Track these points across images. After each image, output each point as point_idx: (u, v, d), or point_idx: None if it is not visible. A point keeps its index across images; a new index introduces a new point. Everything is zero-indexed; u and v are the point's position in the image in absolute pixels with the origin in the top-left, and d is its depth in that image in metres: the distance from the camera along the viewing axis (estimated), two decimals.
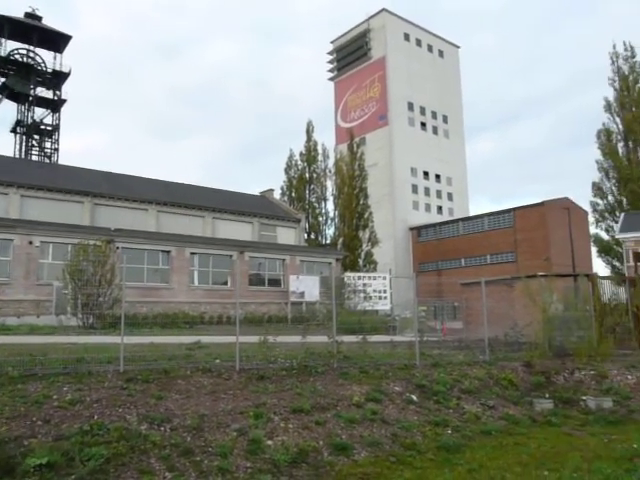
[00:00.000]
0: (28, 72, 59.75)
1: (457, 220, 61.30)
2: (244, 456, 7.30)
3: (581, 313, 15.38)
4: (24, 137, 61.35)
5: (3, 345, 12.11)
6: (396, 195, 66.14)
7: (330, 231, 57.31)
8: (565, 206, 48.69)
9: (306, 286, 34.32)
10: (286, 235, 44.98)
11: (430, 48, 75.83)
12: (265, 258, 36.00)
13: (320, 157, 58.54)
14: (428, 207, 69.83)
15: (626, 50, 50.47)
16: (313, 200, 57.81)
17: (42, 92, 62.06)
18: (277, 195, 54.55)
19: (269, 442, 7.78)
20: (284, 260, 36.61)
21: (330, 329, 12.49)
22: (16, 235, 27.39)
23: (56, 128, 62.91)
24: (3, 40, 58.43)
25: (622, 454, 7.91)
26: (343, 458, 7.75)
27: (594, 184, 50.04)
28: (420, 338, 13.70)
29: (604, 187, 49.65)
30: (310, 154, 58.14)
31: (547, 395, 11.95)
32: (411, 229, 64.40)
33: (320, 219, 57.69)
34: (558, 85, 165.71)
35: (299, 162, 58.55)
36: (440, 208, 71.20)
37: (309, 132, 58.48)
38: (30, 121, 61.35)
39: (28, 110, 61.51)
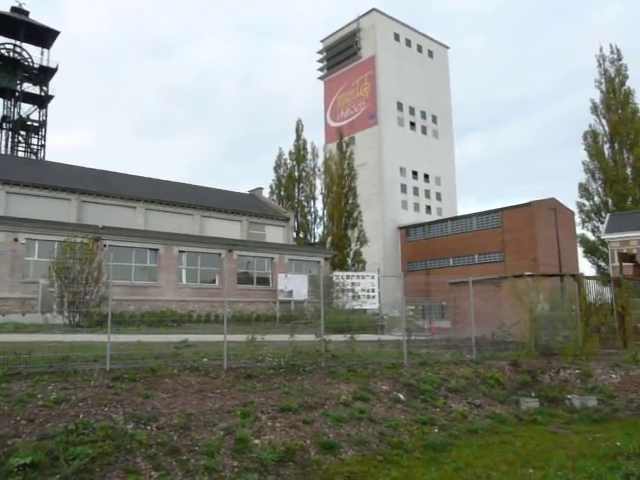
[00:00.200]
0: (14, 67, 59.02)
1: (446, 220, 61.59)
2: (231, 455, 7.28)
3: (567, 313, 15.53)
4: (10, 133, 60.59)
5: None
6: (385, 194, 66.29)
7: (319, 230, 57.42)
8: (552, 207, 49.06)
9: (294, 285, 34.29)
10: (275, 234, 44.91)
11: (420, 48, 76.08)
12: (254, 257, 35.89)
13: (309, 156, 58.63)
14: (417, 207, 70.08)
15: (612, 53, 51.09)
16: (302, 199, 57.83)
17: (29, 88, 61.35)
18: (266, 194, 54.46)
19: (256, 441, 7.76)
20: (273, 259, 36.54)
21: (318, 328, 12.49)
22: (1, 232, 27.05)
23: (43, 124, 62.23)
24: None
25: (606, 452, 7.99)
26: (330, 457, 7.76)
27: (581, 185, 50.63)
28: (408, 337, 13.73)
29: (590, 188, 50.25)
30: (299, 153, 58.13)
31: (533, 394, 12.05)
32: (400, 228, 64.60)
33: (309, 218, 57.73)
34: (547, 87, 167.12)
35: (288, 161, 58.56)
36: (429, 208, 71.49)
37: (298, 131, 58.49)
38: (16, 117, 60.60)
39: (14, 106, 60.76)
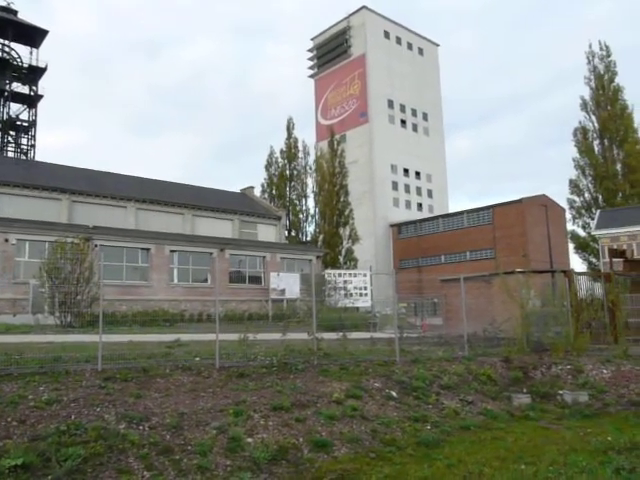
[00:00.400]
0: (3, 67, 58.44)
1: (437, 217, 61.74)
2: (224, 454, 7.27)
3: (558, 309, 15.62)
4: None
5: None
6: (376, 192, 66.37)
7: (311, 228, 57.39)
8: (543, 203, 49.37)
9: (287, 283, 34.29)
10: (266, 232, 44.86)
11: (410, 46, 76.17)
12: (245, 255, 35.85)
13: (301, 154, 58.57)
14: (408, 204, 70.22)
15: (602, 49, 51.35)
16: (294, 197, 57.77)
17: (18, 87, 60.81)
18: (257, 192, 54.35)
19: (249, 440, 7.75)
20: (264, 257, 36.50)
21: (310, 326, 12.49)
22: None
23: (32, 124, 61.74)
24: None
25: (597, 447, 8.05)
26: (323, 455, 7.77)
27: (571, 181, 50.92)
28: (400, 334, 13.78)
29: (581, 184, 50.54)
30: (290, 151, 58.05)
31: (525, 390, 12.13)
32: (391, 226, 64.69)
33: (301, 216, 57.68)
34: (537, 84, 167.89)
35: (279, 159, 58.45)
36: (420, 205, 71.66)
37: (289, 129, 58.41)
38: (5, 117, 60.08)
39: (3, 106, 60.20)
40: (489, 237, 53.07)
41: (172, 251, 32.42)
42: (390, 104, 71.31)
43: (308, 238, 56.22)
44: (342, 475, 7.03)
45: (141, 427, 7.61)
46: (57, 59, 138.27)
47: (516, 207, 51.56)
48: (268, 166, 58.68)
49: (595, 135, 50.72)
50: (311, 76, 79.88)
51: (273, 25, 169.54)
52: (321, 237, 52.19)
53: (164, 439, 7.41)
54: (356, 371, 11.44)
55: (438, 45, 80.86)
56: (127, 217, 37.21)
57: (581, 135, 50.81)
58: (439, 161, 75.98)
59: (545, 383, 12.47)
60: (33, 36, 60.33)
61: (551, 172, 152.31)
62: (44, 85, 75.84)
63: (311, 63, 79.97)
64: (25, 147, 61.12)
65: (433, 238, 58.71)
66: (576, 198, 50.87)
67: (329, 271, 36.50)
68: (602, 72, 50.85)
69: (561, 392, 11.90)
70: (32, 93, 61.32)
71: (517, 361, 13.56)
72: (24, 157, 58.75)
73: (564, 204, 52.58)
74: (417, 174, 72.22)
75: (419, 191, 72.25)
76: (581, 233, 50.83)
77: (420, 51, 77.43)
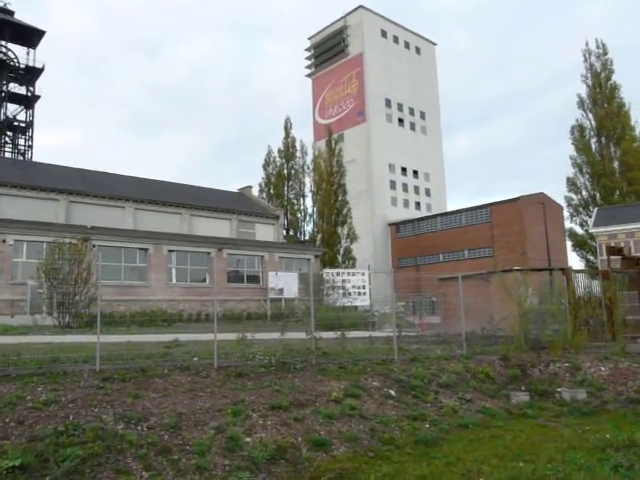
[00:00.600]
0: (0, 68, 58.37)
1: (435, 216, 61.78)
2: (222, 454, 7.26)
3: (556, 306, 15.62)
4: None
5: None
6: (374, 191, 66.38)
7: (309, 227, 57.41)
8: (540, 201, 49.41)
9: (285, 283, 34.27)
10: (265, 232, 44.84)
11: (407, 45, 76.18)
12: (244, 255, 35.84)
13: (298, 154, 58.56)
14: (406, 203, 70.25)
15: (598, 47, 51.43)
16: (292, 196, 57.76)
17: (15, 88, 60.73)
18: (255, 192, 54.33)
19: (247, 439, 7.75)
20: (263, 257, 36.49)
21: (309, 325, 12.49)
22: None
23: (30, 125, 61.65)
24: None
25: (595, 444, 8.06)
26: (322, 454, 7.76)
27: (568, 179, 51.01)
28: (398, 333, 13.78)
29: (578, 182, 50.63)
30: (288, 151, 58.04)
31: (523, 388, 12.13)
32: (390, 225, 64.72)
33: (299, 215, 57.69)
34: (535, 83, 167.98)
35: (277, 159, 58.44)
36: (418, 204, 71.69)
37: (287, 129, 58.40)
38: (3, 117, 59.97)
39: (0, 106, 60.12)
40: (487, 235, 53.12)
41: (170, 251, 32.39)
42: (387, 103, 71.32)
43: (306, 237, 56.21)
44: (341, 474, 7.02)
45: (139, 427, 7.60)
46: (54, 59, 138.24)
47: (514, 205, 51.62)
48: (266, 165, 58.67)
49: (592, 133, 50.80)
50: (308, 75, 79.85)
51: (271, 24, 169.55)
52: (319, 236, 52.18)
53: (162, 439, 7.40)
54: (354, 370, 11.44)
55: (435, 44, 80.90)
56: (125, 217, 37.17)
57: (578, 133, 50.87)
58: (437, 160, 76.00)
59: (543, 381, 12.47)
60: (30, 36, 60.22)
61: (549, 171, 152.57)
62: (41, 85, 75.72)
63: (308, 62, 79.93)
64: (22, 148, 61.03)
65: (431, 237, 58.76)
66: (574, 196, 51.00)
67: (327, 270, 36.48)
68: (599, 70, 50.92)
69: (559, 390, 11.91)
70: (29, 94, 61.23)
71: (515, 359, 13.57)
72: (21, 158, 58.65)
73: (562, 202, 52.72)
74: (415, 173, 72.24)
75: (417, 190, 72.27)
76: (579, 231, 50.96)
77: (417, 50, 77.43)
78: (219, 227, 41.31)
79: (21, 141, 61.33)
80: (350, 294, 32.61)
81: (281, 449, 7.60)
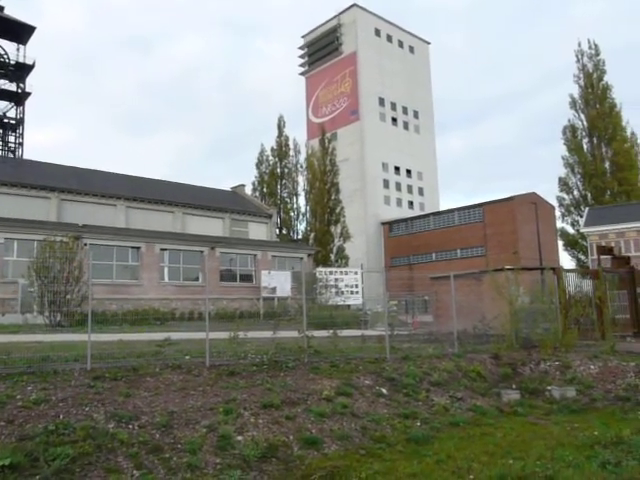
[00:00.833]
0: None
1: (428, 215, 61.94)
2: (213, 452, 7.26)
3: (547, 305, 15.72)
4: None
5: None
6: (368, 190, 66.45)
7: (302, 226, 57.50)
8: (533, 201, 49.66)
9: (278, 281, 34.29)
10: (257, 230, 44.81)
11: (401, 44, 76.26)
12: (236, 254, 35.81)
13: (292, 152, 58.66)
14: (399, 202, 70.36)
15: (590, 48, 51.73)
16: (285, 195, 57.80)
17: (5, 85, 60.20)
18: (248, 190, 54.27)
19: (239, 437, 7.75)
20: (256, 255, 36.47)
21: (301, 324, 12.51)
22: None
23: (20, 122, 61.18)
24: None
25: (584, 441, 8.13)
26: (313, 452, 7.78)
27: (560, 179, 51.34)
28: (390, 332, 13.81)
29: (570, 182, 50.96)
30: (281, 149, 58.05)
31: (514, 386, 12.22)
32: (383, 224, 64.82)
33: (292, 214, 57.73)
34: (527, 83, 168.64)
35: (270, 157, 58.46)
36: (411, 203, 71.83)
37: (280, 127, 58.42)
38: None
39: None
40: (480, 235, 53.34)
41: (163, 249, 32.31)
42: (381, 102, 71.39)
43: (299, 236, 56.25)
44: (332, 472, 7.04)
45: (130, 426, 7.58)
46: (45, 56, 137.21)
47: (507, 205, 51.85)
48: (259, 164, 58.65)
49: (584, 133, 51.12)
50: (302, 74, 79.76)
51: (264, 22, 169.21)
52: (312, 235, 52.21)
53: (154, 438, 7.38)
54: (346, 368, 11.45)
55: (429, 43, 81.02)
56: (117, 215, 37.03)
57: (570, 133, 51.17)
58: (430, 159, 76.18)
59: (534, 379, 12.56)
60: (20, 32, 59.70)
61: (542, 171, 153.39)
62: (32, 82, 75.02)
63: (302, 61, 79.84)
64: (13, 145, 60.60)
65: (424, 236, 58.93)
66: (565, 196, 51.34)
67: (320, 269, 36.51)
68: (591, 71, 51.22)
69: (549, 388, 11.99)
70: (19, 90, 60.74)
71: (506, 357, 13.65)
72: (12, 155, 58.24)
73: (554, 202, 53.02)
74: (408, 172, 72.38)
75: (410, 189, 72.41)
76: (570, 230, 51.32)
77: (411, 49, 77.52)
78: (212, 226, 41.25)
79: (11, 138, 60.90)
80: (343, 293, 32.69)
81: (272, 447, 7.61)
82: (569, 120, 51.57)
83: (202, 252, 33.71)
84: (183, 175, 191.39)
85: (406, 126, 74.05)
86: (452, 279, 14.92)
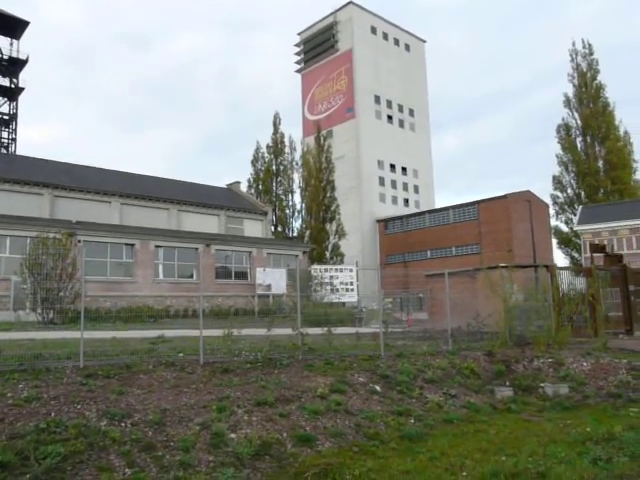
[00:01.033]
0: None
1: (423, 212, 62.03)
2: (206, 450, 7.23)
3: (540, 303, 15.77)
4: None
5: None
6: (363, 187, 66.46)
7: (297, 224, 57.38)
8: (527, 199, 49.84)
9: (273, 279, 34.24)
10: (253, 228, 44.75)
11: (397, 42, 76.22)
12: (232, 251, 35.75)
13: (287, 149, 58.49)
14: (395, 199, 70.41)
15: (584, 47, 51.92)
16: (280, 193, 57.68)
17: None
18: (244, 188, 54.18)
19: (232, 435, 7.73)
20: (251, 253, 36.43)
21: (296, 321, 12.50)
22: None
23: (13, 117, 60.74)
24: None
25: (576, 438, 8.15)
26: (307, 449, 7.77)
27: (554, 177, 51.56)
28: (385, 329, 13.82)
29: (564, 181, 51.20)
30: (277, 146, 57.92)
31: (507, 383, 12.25)
32: (378, 221, 64.87)
33: (287, 212, 57.62)
34: (522, 81, 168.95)
35: (266, 154, 58.28)
36: (407, 201, 71.89)
37: (276, 124, 58.25)
38: None
39: None
40: (475, 232, 53.45)
41: (157, 246, 32.21)
42: (377, 100, 71.37)
43: (294, 233, 56.17)
44: (325, 469, 7.03)
45: (123, 424, 7.55)
46: (39, 51, 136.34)
47: (501, 203, 51.97)
48: (254, 161, 58.50)
49: (578, 132, 51.34)
50: (298, 71, 79.62)
51: (260, 19, 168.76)
52: (307, 232, 52.14)
53: (146, 436, 7.35)
54: (341, 366, 11.45)
55: (425, 41, 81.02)
56: (111, 212, 36.88)
57: (564, 132, 51.37)
58: (425, 157, 76.26)
59: (527, 376, 12.60)
60: (13, 27, 59.19)
61: (537, 169, 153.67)
62: (25, 77, 74.72)
63: (298, 58, 79.68)
64: (6, 141, 60.14)
65: (419, 233, 59.01)
66: (559, 194, 51.55)
67: (315, 266, 36.47)
68: (585, 70, 51.40)
69: (542, 385, 12.03)
70: (12, 85, 60.27)
71: (500, 355, 13.68)
72: (5, 151, 57.84)
73: (548, 200, 53.19)
74: (404, 170, 72.43)
75: (405, 187, 72.47)
76: (564, 228, 51.55)
77: (407, 47, 77.49)
78: (207, 223, 41.16)
79: (4, 134, 60.38)
80: (338, 290, 32.66)
81: (266, 445, 7.59)
82: (563, 119, 51.83)
83: (197, 249, 33.63)
84: (178, 172, 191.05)
85: (402, 124, 74.08)
86: (446, 277, 14.95)
